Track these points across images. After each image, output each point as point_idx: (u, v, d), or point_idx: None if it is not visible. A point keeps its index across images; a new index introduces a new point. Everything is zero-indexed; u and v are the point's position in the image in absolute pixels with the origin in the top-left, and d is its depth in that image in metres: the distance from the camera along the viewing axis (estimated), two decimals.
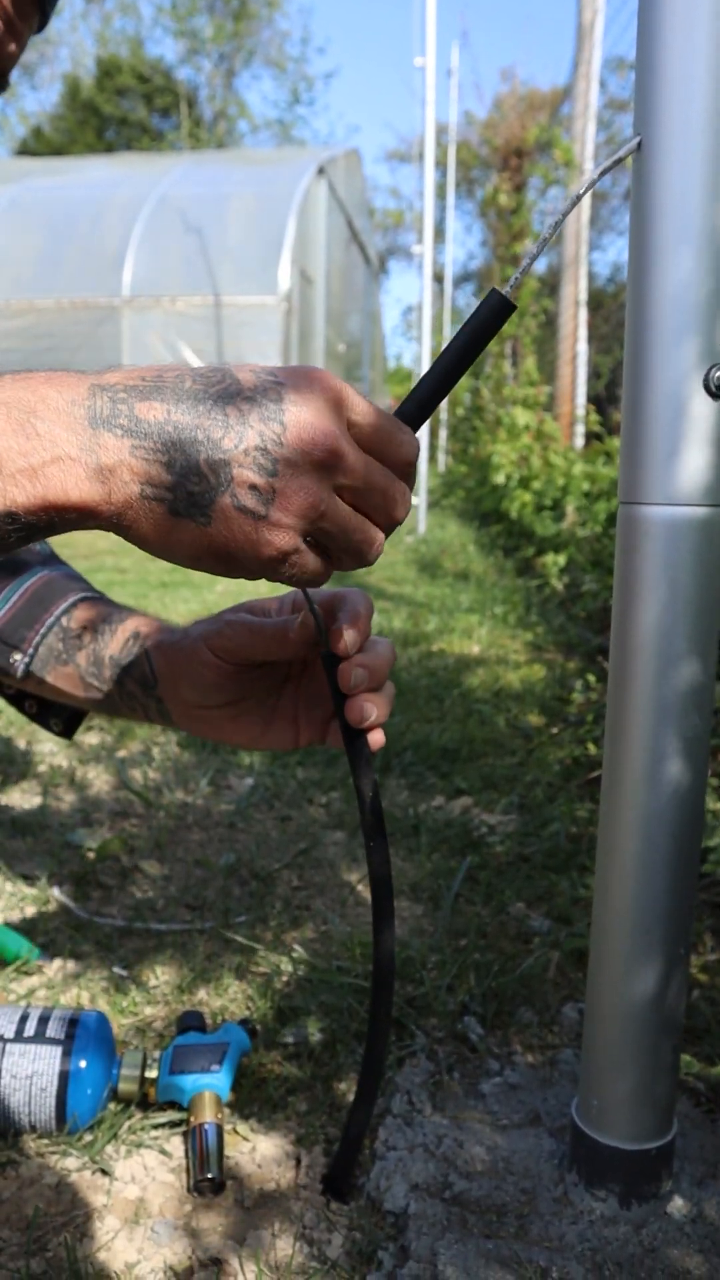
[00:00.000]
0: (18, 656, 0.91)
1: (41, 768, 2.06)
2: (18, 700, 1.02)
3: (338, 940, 1.35)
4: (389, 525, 0.62)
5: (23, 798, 1.90)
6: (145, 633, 0.89)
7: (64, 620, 0.91)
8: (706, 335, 0.73)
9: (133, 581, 4.46)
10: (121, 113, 20.90)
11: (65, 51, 21.75)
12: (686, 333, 0.73)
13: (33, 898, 1.47)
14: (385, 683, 0.75)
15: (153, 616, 0.92)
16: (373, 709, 0.72)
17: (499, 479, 5.79)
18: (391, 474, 0.60)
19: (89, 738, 2.26)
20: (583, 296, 6.74)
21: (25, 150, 20.68)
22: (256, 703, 0.84)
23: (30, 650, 0.91)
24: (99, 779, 2.00)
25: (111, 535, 0.58)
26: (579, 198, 0.68)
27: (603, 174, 0.70)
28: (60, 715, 1.02)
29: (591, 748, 2.05)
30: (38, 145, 20.57)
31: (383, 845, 0.77)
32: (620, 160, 0.71)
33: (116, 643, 0.89)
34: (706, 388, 0.73)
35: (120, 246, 8.49)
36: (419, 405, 0.65)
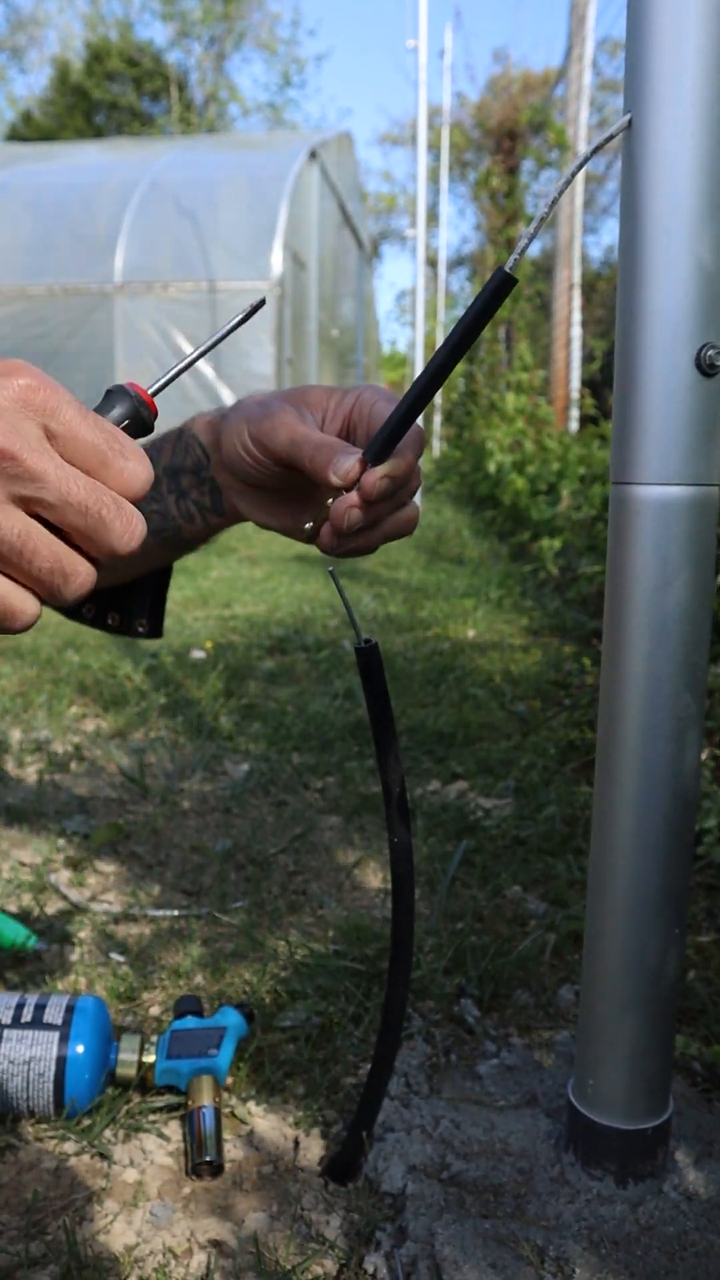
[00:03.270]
0: None
1: (38, 755, 2.06)
2: (99, 618, 1.00)
3: (334, 924, 1.35)
4: (105, 555, 0.52)
5: (19, 785, 1.90)
6: (189, 423, 0.84)
7: None
8: (697, 314, 0.72)
9: None
10: (111, 97, 20.74)
11: (53, 34, 21.59)
12: (677, 312, 0.72)
13: (30, 885, 1.47)
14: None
15: (198, 413, 0.86)
16: (348, 543, 0.68)
17: (492, 466, 5.78)
18: (104, 491, 0.51)
19: (86, 725, 2.26)
20: (577, 280, 6.72)
21: (15, 135, 20.52)
22: (294, 492, 0.79)
23: None
24: (95, 766, 2.00)
25: None
26: (571, 176, 0.67)
27: (594, 152, 0.69)
28: (141, 613, 0.99)
29: (587, 731, 2.06)
30: (27, 131, 20.42)
31: (406, 840, 0.78)
32: (612, 138, 0.71)
33: (166, 454, 0.85)
34: (698, 366, 0.72)
35: (111, 232, 8.44)
36: (416, 398, 0.64)
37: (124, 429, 0.57)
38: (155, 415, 0.58)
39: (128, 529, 0.52)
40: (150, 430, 0.58)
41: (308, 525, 0.72)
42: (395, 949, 0.83)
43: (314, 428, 0.72)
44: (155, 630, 1.02)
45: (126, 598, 1.01)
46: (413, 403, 0.65)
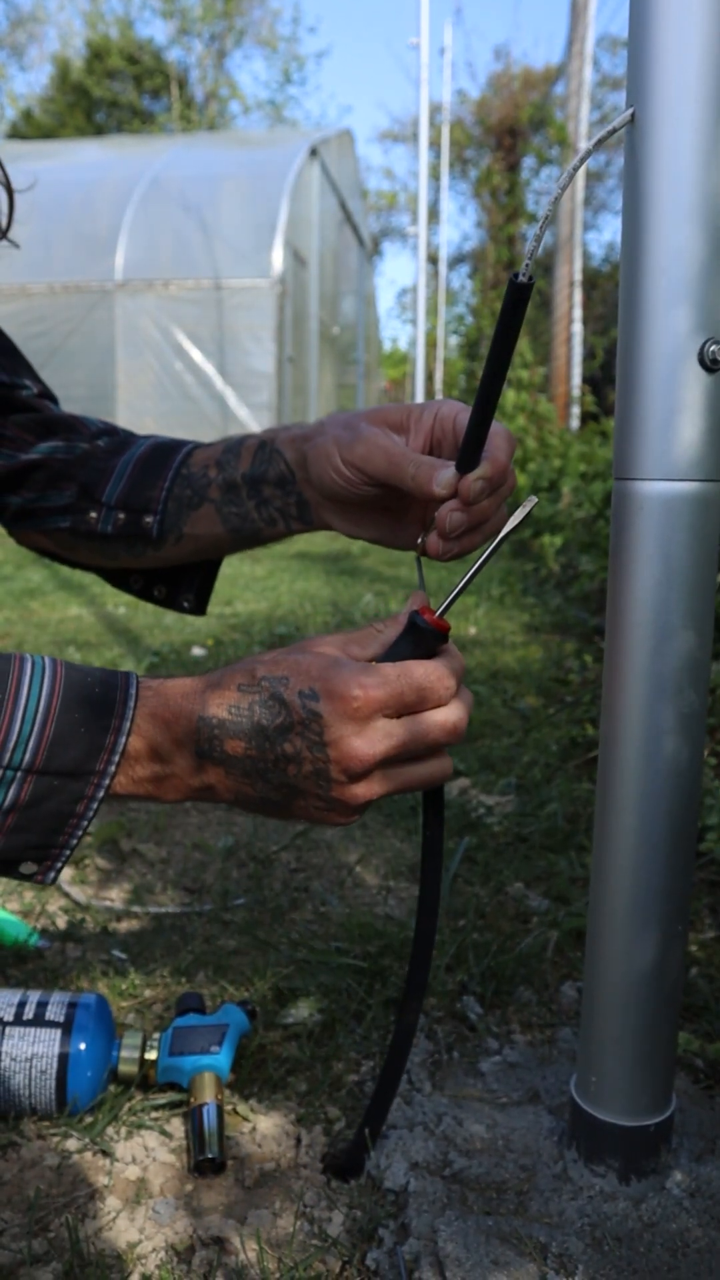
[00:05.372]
0: (149, 518, 0.92)
1: None
2: (146, 590, 1.03)
3: (336, 921, 1.35)
4: (453, 742, 0.69)
5: None
6: (271, 437, 0.88)
7: (184, 470, 0.92)
8: (701, 308, 0.72)
9: None
10: (112, 95, 20.70)
11: (53, 32, 21.53)
12: (681, 306, 0.72)
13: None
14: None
15: (276, 428, 0.91)
16: (455, 546, 0.76)
17: None
18: (426, 721, 0.68)
19: None
20: (577, 277, 6.71)
21: (15, 134, 20.50)
22: (385, 504, 0.84)
23: (159, 509, 0.92)
24: None
25: None
26: (574, 171, 0.67)
27: (596, 145, 0.69)
28: (190, 589, 1.02)
29: (589, 728, 2.06)
30: (28, 129, 20.40)
31: (438, 832, 0.80)
32: (615, 131, 0.71)
33: (245, 460, 0.89)
34: (701, 361, 0.72)
35: (112, 230, 8.43)
36: (483, 405, 0.70)
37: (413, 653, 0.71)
38: (446, 632, 0.71)
39: (451, 724, 0.69)
40: (444, 641, 0.71)
41: (420, 539, 0.78)
42: (418, 943, 0.83)
43: (404, 446, 0.78)
44: (200, 608, 1.04)
45: (178, 573, 1.02)
46: (482, 410, 0.70)
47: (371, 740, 0.66)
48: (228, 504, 0.90)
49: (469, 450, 0.72)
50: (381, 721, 0.66)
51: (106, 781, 0.67)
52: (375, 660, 0.70)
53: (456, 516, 0.73)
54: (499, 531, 0.74)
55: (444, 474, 0.73)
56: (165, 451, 0.94)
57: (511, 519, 0.69)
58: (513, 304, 0.66)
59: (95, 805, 0.67)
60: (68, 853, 0.69)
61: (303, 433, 0.85)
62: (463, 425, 0.77)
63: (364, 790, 0.68)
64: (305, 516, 0.88)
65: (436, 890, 0.82)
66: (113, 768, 0.67)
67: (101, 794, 0.67)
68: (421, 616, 0.70)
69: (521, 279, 0.65)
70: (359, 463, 0.78)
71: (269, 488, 0.88)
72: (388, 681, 0.66)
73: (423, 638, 0.70)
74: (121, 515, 0.93)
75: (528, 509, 0.69)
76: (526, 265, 0.65)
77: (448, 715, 0.68)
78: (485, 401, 0.70)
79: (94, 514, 0.94)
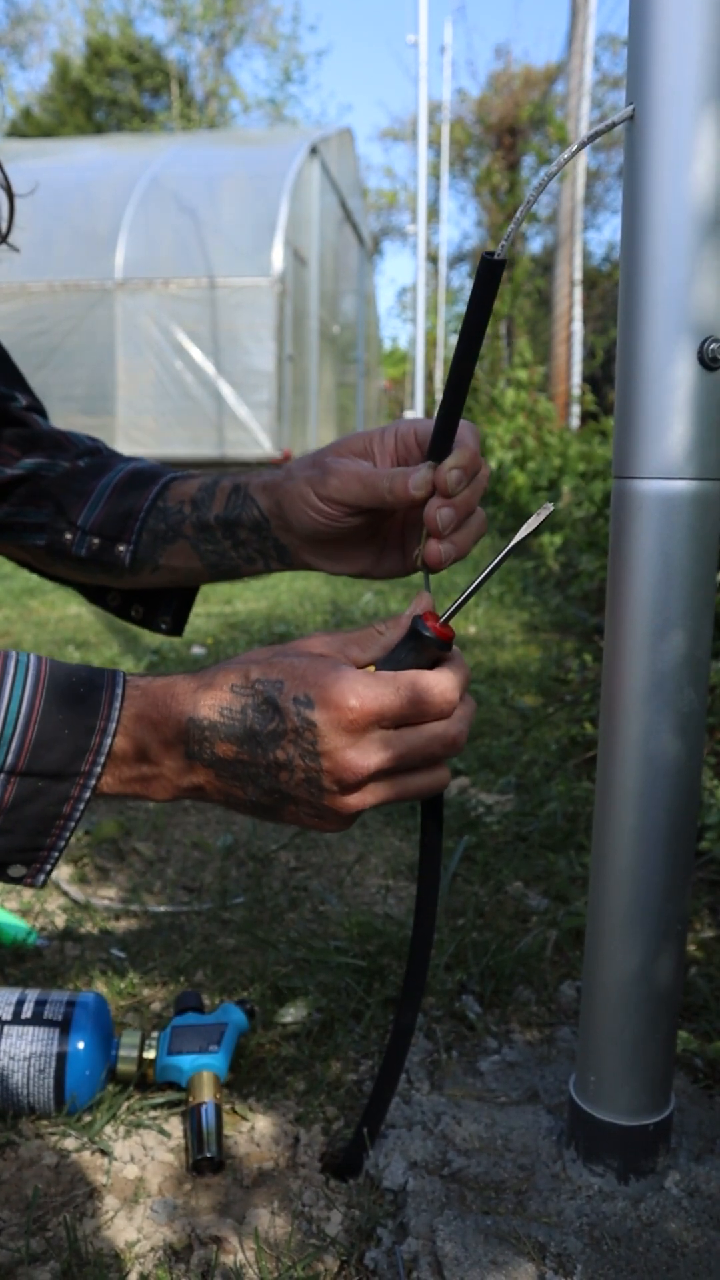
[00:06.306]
0: (122, 547, 0.92)
1: None
2: (124, 609, 1.03)
3: (335, 920, 1.35)
4: (452, 755, 0.68)
5: None
6: (244, 482, 0.88)
7: (159, 502, 0.92)
8: (701, 307, 0.72)
9: None
10: (111, 93, 20.69)
11: (53, 30, 21.53)
12: (680, 305, 0.72)
13: None
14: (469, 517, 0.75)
15: (244, 471, 0.91)
16: (451, 548, 0.74)
17: (493, 463, 5.77)
18: (424, 734, 0.66)
19: None
20: (577, 275, 6.70)
21: (15, 132, 20.48)
22: (365, 536, 0.84)
23: (132, 538, 0.91)
24: None
25: None
26: (566, 160, 0.67)
27: (594, 137, 0.69)
28: (167, 611, 1.02)
29: (588, 727, 2.06)
30: (27, 127, 20.38)
31: (436, 838, 0.79)
32: (614, 125, 0.70)
33: (219, 503, 0.89)
34: (700, 360, 0.72)
35: (112, 229, 8.42)
36: (454, 389, 0.69)
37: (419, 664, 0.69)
38: (450, 640, 0.68)
39: (452, 737, 0.67)
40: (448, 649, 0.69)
41: (416, 554, 0.77)
42: (414, 947, 0.83)
43: (373, 467, 0.78)
44: (177, 629, 1.03)
45: (156, 594, 1.02)
46: (450, 400, 0.69)
47: (366, 752, 0.64)
48: (203, 542, 0.90)
49: (439, 439, 0.71)
50: (378, 733, 0.65)
51: (93, 783, 0.66)
52: (375, 665, 0.69)
53: (445, 512, 0.72)
54: (480, 532, 0.74)
55: (417, 475, 0.73)
56: (143, 480, 0.93)
57: (525, 526, 0.67)
58: (484, 280, 0.65)
59: (82, 806, 0.67)
60: (56, 855, 0.68)
61: (273, 480, 0.85)
62: (424, 433, 0.77)
63: (357, 800, 0.67)
64: (284, 559, 0.88)
65: (434, 896, 0.81)
66: (98, 769, 0.66)
67: (88, 795, 0.66)
68: (424, 623, 0.68)
69: (498, 256, 0.65)
70: (335, 495, 0.78)
71: (244, 531, 0.88)
72: (386, 693, 0.64)
73: (425, 646, 0.67)
74: (95, 541, 0.93)
75: (542, 516, 0.67)
76: (503, 245, 0.64)
77: (447, 728, 0.67)
78: (457, 385, 0.68)
79: (69, 535, 0.94)
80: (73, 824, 0.67)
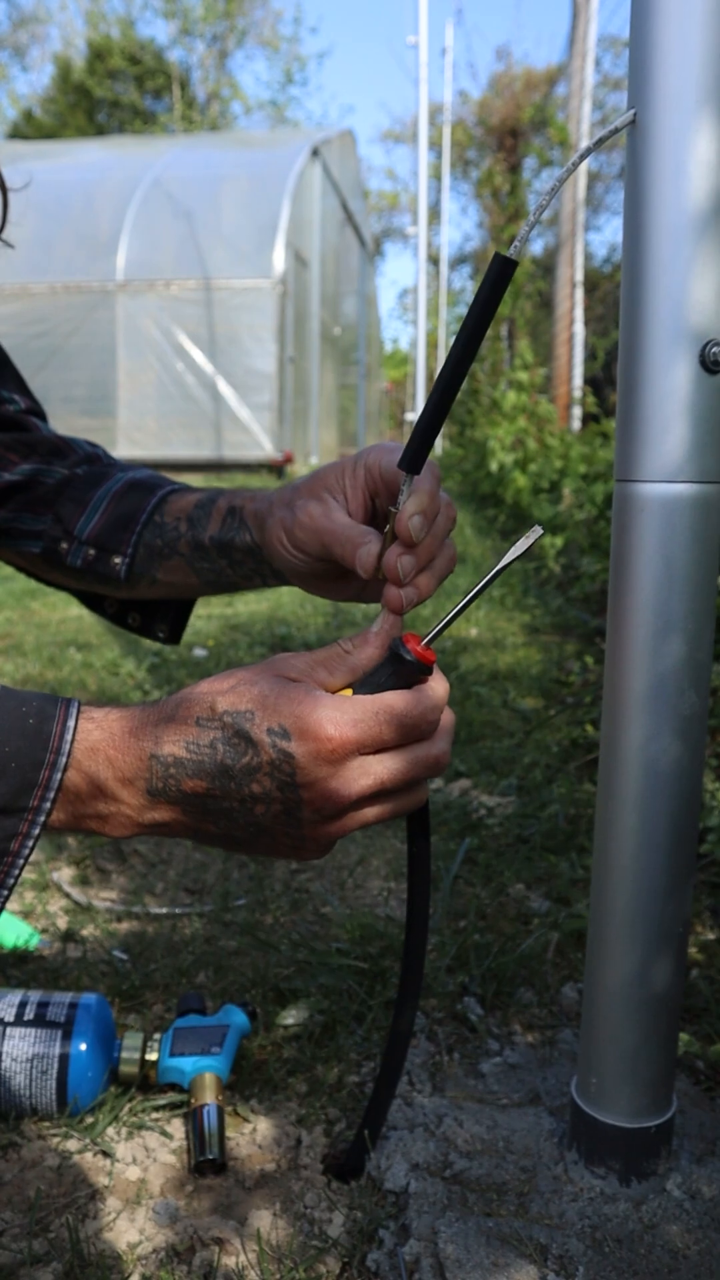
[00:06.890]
0: (118, 560, 0.92)
1: None
2: (120, 617, 1.03)
3: (336, 923, 1.35)
4: (434, 776, 0.67)
5: None
6: (239, 505, 0.88)
7: (156, 517, 0.92)
8: (702, 310, 0.72)
9: None
10: (113, 95, 20.72)
11: (55, 32, 21.54)
12: (682, 308, 0.72)
13: (32, 883, 1.47)
14: (438, 553, 0.72)
15: (242, 488, 0.90)
16: (413, 592, 0.71)
17: (494, 465, 5.77)
18: (406, 757, 0.64)
19: None
20: (578, 277, 6.71)
21: (16, 134, 20.50)
22: (343, 570, 0.82)
23: (128, 551, 0.91)
24: None
25: None
26: (572, 169, 0.67)
27: (597, 145, 0.69)
28: (164, 620, 1.02)
29: (590, 729, 2.06)
30: (29, 129, 20.41)
31: (425, 849, 0.79)
32: (617, 131, 0.71)
33: (215, 524, 0.89)
34: (702, 363, 0.72)
35: (113, 230, 8.44)
36: (441, 393, 0.66)
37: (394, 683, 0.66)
38: (432, 663, 0.65)
39: (433, 761, 0.66)
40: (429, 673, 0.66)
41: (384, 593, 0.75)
42: (407, 955, 0.83)
43: (340, 512, 0.77)
44: (174, 637, 1.03)
45: (153, 604, 1.02)
46: (438, 401, 0.66)
47: (348, 781, 0.62)
48: (199, 560, 0.90)
49: (417, 449, 0.68)
50: (358, 760, 0.63)
51: (41, 819, 0.63)
52: (352, 688, 0.66)
53: (406, 560, 0.69)
54: (447, 571, 0.71)
55: (363, 552, 0.72)
56: (141, 492, 0.93)
57: (513, 549, 0.65)
58: (495, 279, 0.63)
59: (31, 843, 0.63)
60: (6, 892, 0.65)
61: (258, 509, 0.85)
62: (389, 471, 0.75)
63: (337, 828, 0.65)
64: (281, 578, 0.88)
65: (425, 906, 0.81)
66: (48, 804, 0.63)
67: (37, 831, 0.63)
68: (405, 646, 0.64)
69: (512, 256, 0.63)
70: (300, 544, 0.79)
71: (239, 553, 0.88)
72: (365, 719, 0.62)
73: (406, 670, 0.64)
74: (91, 552, 0.93)
75: (531, 541, 0.64)
76: (516, 246, 0.63)
77: (429, 750, 0.65)
78: (444, 392, 0.66)
79: (65, 545, 0.94)
80: (21, 861, 0.64)
